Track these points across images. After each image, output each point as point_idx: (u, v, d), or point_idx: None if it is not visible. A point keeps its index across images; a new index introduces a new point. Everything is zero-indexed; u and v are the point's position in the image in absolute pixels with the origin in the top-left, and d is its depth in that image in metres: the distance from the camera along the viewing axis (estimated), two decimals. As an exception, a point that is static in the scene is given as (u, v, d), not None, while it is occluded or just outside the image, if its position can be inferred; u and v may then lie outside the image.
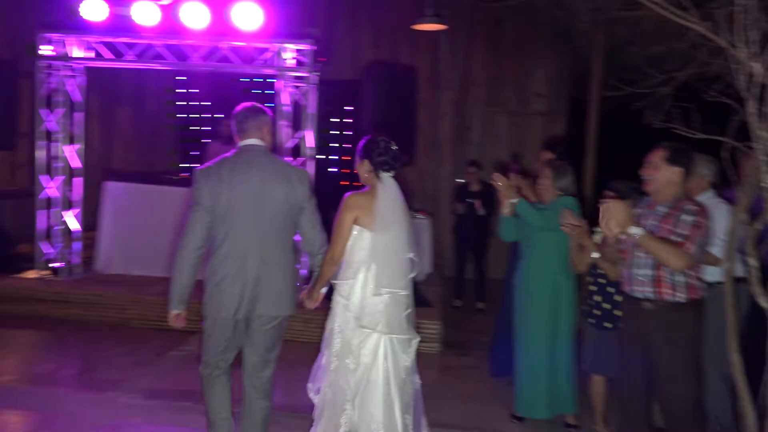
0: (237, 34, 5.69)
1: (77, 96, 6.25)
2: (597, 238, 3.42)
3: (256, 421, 3.10)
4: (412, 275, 3.11)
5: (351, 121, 8.70)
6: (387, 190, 3.03)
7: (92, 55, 6.14)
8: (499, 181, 3.73)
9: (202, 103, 9.52)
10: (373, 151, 3.07)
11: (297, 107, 6.05)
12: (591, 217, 3.28)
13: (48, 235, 6.25)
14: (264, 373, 3.10)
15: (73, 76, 6.20)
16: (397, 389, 3.01)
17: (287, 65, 5.85)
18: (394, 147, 3.10)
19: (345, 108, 8.75)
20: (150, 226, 6.42)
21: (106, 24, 5.89)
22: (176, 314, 2.97)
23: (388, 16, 8.69)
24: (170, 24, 5.74)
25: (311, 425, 3.20)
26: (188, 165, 9.22)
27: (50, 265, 6.17)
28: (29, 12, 7.75)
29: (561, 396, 3.84)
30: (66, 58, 6.04)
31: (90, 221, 6.78)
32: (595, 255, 3.41)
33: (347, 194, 3.06)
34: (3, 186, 7.86)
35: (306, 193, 3.05)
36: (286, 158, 5.94)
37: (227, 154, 3.04)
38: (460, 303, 6.98)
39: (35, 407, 3.86)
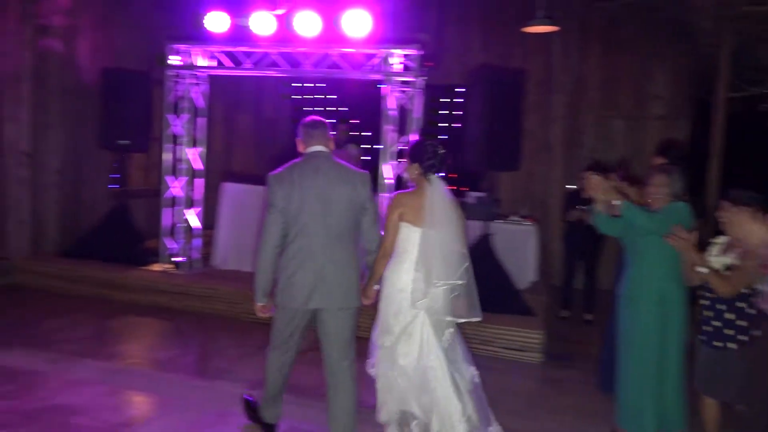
0: (346, 40, 5.85)
1: (201, 102, 6.70)
2: (715, 256, 3.20)
3: (343, 400, 3.28)
4: (464, 266, 3.30)
5: (459, 125, 8.65)
6: (435, 189, 3.30)
7: (214, 63, 6.56)
8: (592, 179, 3.59)
9: (315, 109, 9.87)
10: (423, 155, 3.35)
11: (403, 112, 6.12)
12: (713, 226, 3.08)
13: (171, 231, 6.75)
14: (343, 363, 3.30)
15: (197, 84, 6.66)
16: (448, 375, 3.26)
17: (394, 70, 5.93)
18: (442, 151, 3.38)
19: (454, 113, 8.73)
20: (261, 224, 6.75)
21: (227, 35, 6.28)
22: (261, 306, 3.32)
23: (498, 19, 8.57)
24: (284, 33, 6.00)
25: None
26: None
27: (173, 259, 6.65)
28: (161, 26, 8.40)
29: (668, 413, 3.58)
30: (191, 67, 6.50)
31: (209, 220, 7.24)
32: (702, 270, 3.19)
33: (394, 193, 3.42)
34: (137, 186, 8.58)
35: (368, 194, 3.30)
36: (390, 162, 6.04)
37: (296, 160, 3.33)
38: (568, 314, 6.72)
39: (153, 389, 4.17)
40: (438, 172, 3.29)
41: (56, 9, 7.02)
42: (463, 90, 6.76)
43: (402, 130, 6.10)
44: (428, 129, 6.95)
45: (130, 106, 6.82)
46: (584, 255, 6.50)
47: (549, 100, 8.44)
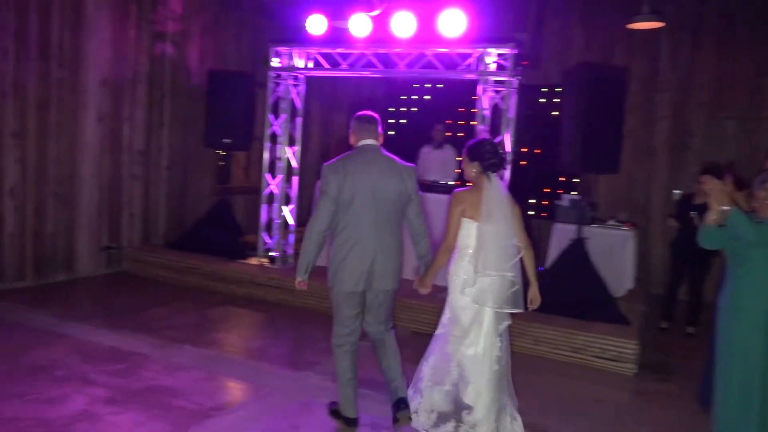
0: (441, 40, 5.85)
1: (299, 103, 6.93)
2: None
3: (393, 350, 3.64)
4: (517, 259, 3.49)
5: (555, 126, 8.41)
6: (493, 187, 3.48)
7: (312, 65, 6.76)
8: (711, 185, 3.35)
9: (411, 110, 9.93)
10: (484, 154, 3.50)
11: (498, 112, 6.04)
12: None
13: (268, 227, 7.03)
14: (384, 332, 3.64)
15: (296, 85, 6.89)
16: (496, 363, 3.49)
17: (488, 70, 5.87)
18: (501, 150, 3.59)
19: (551, 113, 8.49)
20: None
21: (324, 37, 6.47)
22: (300, 281, 3.53)
23: (601, 16, 8.27)
24: (380, 34, 6.10)
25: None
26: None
27: (269, 254, 6.92)
28: (265, 30, 8.77)
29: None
30: (290, 68, 6.73)
31: (305, 216, 7.47)
32: None
33: (456, 191, 3.55)
34: (238, 183, 9.00)
35: (414, 186, 3.54)
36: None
37: (349, 152, 3.54)
38: (668, 325, 6.38)
39: (245, 377, 4.37)
40: (497, 170, 3.52)
41: (170, 16, 7.50)
42: (561, 89, 6.56)
43: (496, 130, 6.02)
44: (522, 129, 6.82)
45: (233, 106, 7.15)
46: (692, 264, 6.10)
47: (653, 99, 8.04)
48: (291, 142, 7.00)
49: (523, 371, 4.88)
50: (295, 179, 7.07)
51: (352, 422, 3.61)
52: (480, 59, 5.92)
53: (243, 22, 8.57)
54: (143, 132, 7.36)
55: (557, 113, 8.24)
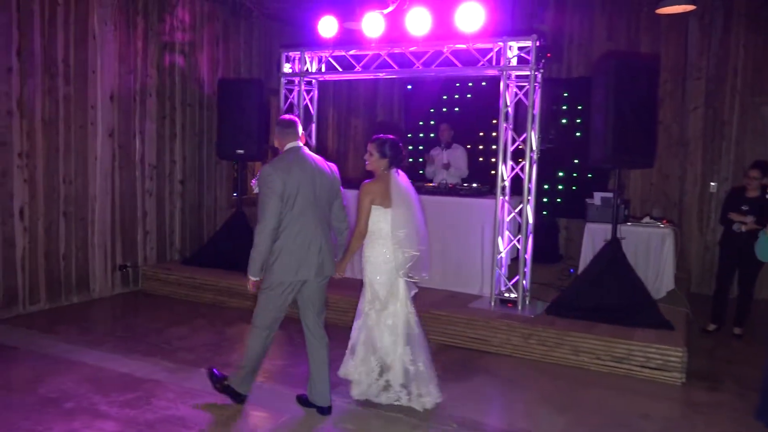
0: (458, 36, 5.56)
1: (312, 109, 6.68)
2: None
3: (323, 355, 3.94)
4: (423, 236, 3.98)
5: (582, 120, 8.04)
6: (398, 178, 3.98)
7: (324, 69, 6.50)
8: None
9: (427, 110, 9.62)
10: (392, 152, 3.98)
11: (521, 108, 5.72)
12: None
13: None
14: (321, 322, 3.98)
15: (308, 91, 6.64)
16: (416, 327, 4.02)
17: (510, 64, 5.55)
18: (401, 145, 4.06)
19: (577, 107, 8.13)
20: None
21: (336, 39, 6.22)
22: (255, 281, 3.75)
23: (623, 2, 7.90)
24: (394, 33, 5.83)
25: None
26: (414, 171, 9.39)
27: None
28: (276, 36, 8.57)
29: None
30: (302, 73, 6.48)
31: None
32: None
33: (365, 182, 3.98)
34: (254, 194, 8.76)
35: (338, 181, 3.98)
36: (510, 162, 5.66)
37: (282, 154, 3.82)
38: (714, 327, 5.99)
39: (264, 403, 4.09)
40: (399, 165, 4.02)
41: (178, 26, 7.31)
42: (587, 81, 6.21)
43: (519, 127, 5.70)
44: (548, 126, 6.48)
45: (245, 115, 6.93)
46: (742, 262, 5.72)
47: (684, 88, 7.64)
48: (306, 150, 6.75)
49: (563, 384, 4.56)
50: (312, 188, 6.81)
51: (243, 399, 3.97)
52: (501, 54, 5.60)
53: (253, 30, 8.36)
54: (155, 146, 7.17)
55: (581, 108, 7.88)
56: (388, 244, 3.93)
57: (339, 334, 4.55)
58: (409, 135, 9.73)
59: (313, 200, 3.75)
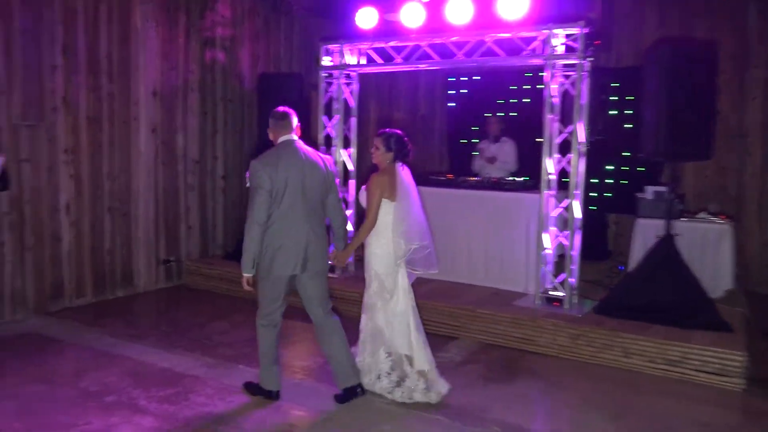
0: (502, 24, 5.37)
1: (352, 102, 6.58)
2: None
3: (337, 339, 3.95)
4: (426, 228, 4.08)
5: (632, 111, 7.71)
6: (402, 172, 4.04)
7: (365, 61, 6.39)
8: None
9: (473, 102, 9.41)
10: (399, 146, 4.04)
11: (568, 99, 5.49)
12: None
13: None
14: (328, 314, 3.99)
15: (348, 84, 6.54)
16: (414, 312, 4.09)
17: (556, 53, 5.33)
18: (406, 140, 4.09)
19: (626, 97, 7.79)
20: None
21: (376, 30, 6.10)
22: (248, 277, 3.76)
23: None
24: (434, 23, 5.68)
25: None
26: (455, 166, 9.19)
27: (329, 262, 6.59)
28: (316, 29, 8.51)
29: None
30: (342, 66, 6.38)
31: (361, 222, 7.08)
32: None
33: (373, 175, 4.01)
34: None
35: (333, 175, 3.97)
36: (557, 155, 5.45)
37: (274, 148, 3.81)
38: (774, 328, 5.64)
39: (303, 401, 4.03)
40: (405, 160, 4.07)
41: (219, 22, 7.31)
42: (637, 70, 5.93)
43: (566, 119, 5.47)
44: (596, 117, 6.21)
45: (285, 110, 6.88)
46: None
47: (742, 76, 7.23)
48: (346, 144, 6.66)
49: (613, 388, 4.35)
50: (352, 183, 6.73)
51: (275, 395, 3.95)
52: (546, 42, 5.38)
53: (293, 24, 8.32)
54: (197, 141, 7.21)
55: (632, 98, 7.55)
56: (390, 236, 3.99)
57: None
58: (453, 127, 9.53)
59: (302, 195, 3.74)
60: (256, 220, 3.66)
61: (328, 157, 4.03)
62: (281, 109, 3.92)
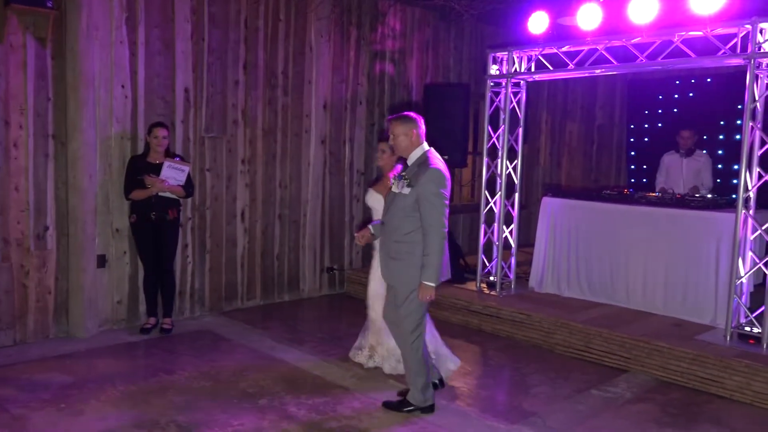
0: (692, 21, 4.76)
1: (519, 112, 6.26)
2: None
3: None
4: None
5: None
6: None
7: (532, 69, 6.05)
8: None
9: (654, 111, 8.59)
10: None
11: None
12: None
13: (488, 249, 6.44)
14: None
15: (516, 92, 6.24)
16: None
17: (761, 51, 4.58)
18: None
19: None
20: (584, 245, 5.98)
21: (546, 36, 5.77)
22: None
23: None
24: (612, 24, 5.21)
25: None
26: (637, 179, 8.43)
27: (490, 278, 6.33)
28: (485, 38, 8.31)
29: None
30: (510, 74, 6.10)
31: (530, 237, 6.73)
32: None
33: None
34: (457, 201, 8.59)
35: None
36: (757, 169, 4.69)
37: (436, 154, 3.81)
38: None
39: (450, 426, 3.81)
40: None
41: (389, 34, 7.41)
42: None
43: (771, 127, 4.68)
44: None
45: (450, 120, 6.75)
46: None
47: None
48: (511, 155, 6.34)
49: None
50: (517, 196, 6.39)
51: (432, 408, 3.93)
52: (748, 39, 4.66)
53: (462, 34, 8.19)
54: (363, 152, 7.34)
55: None
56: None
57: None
58: (632, 139, 8.78)
59: None
60: (444, 228, 3.64)
61: None
62: (415, 113, 3.87)
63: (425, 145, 3.81)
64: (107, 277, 5.45)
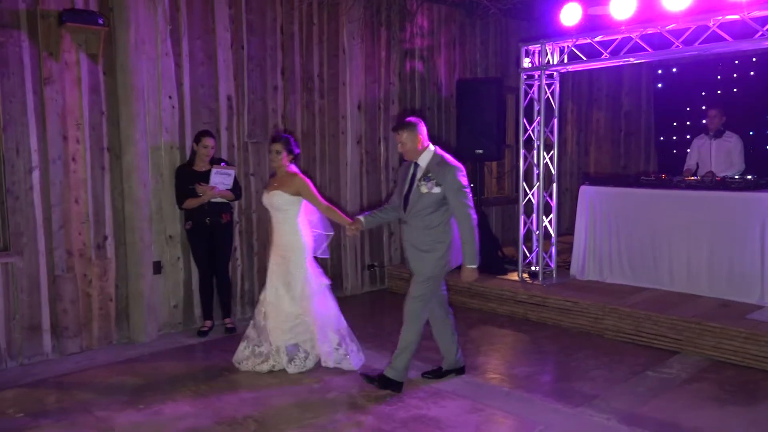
0: (729, 5, 4.82)
1: (554, 103, 6.35)
2: None
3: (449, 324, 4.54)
4: None
5: None
6: None
7: (566, 60, 6.14)
8: None
9: (682, 96, 8.62)
10: (295, 148, 4.70)
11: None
12: None
13: (527, 239, 6.55)
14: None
15: (550, 84, 6.33)
16: None
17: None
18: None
19: None
20: (625, 231, 6.07)
21: (579, 26, 5.85)
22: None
23: None
24: (646, 12, 5.29)
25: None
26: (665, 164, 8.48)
27: (531, 268, 6.43)
28: (513, 32, 8.39)
29: None
30: (543, 66, 6.19)
31: (568, 225, 6.81)
32: None
33: (302, 176, 4.65)
34: (492, 194, 8.70)
35: None
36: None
37: (443, 151, 4.17)
38: None
39: (515, 411, 3.94)
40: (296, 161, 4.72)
41: (418, 32, 7.52)
42: None
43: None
44: None
45: (483, 115, 6.87)
46: None
47: None
48: (547, 146, 6.44)
49: None
50: (555, 186, 6.48)
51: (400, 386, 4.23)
52: (785, 20, 4.72)
53: (489, 29, 8.28)
54: (397, 151, 7.44)
55: None
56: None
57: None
58: (660, 126, 8.81)
59: None
60: (473, 217, 4.03)
61: None
62: (415, 118, 4.19)
63: (431, 146, 4.15)
64: (163, 283, 5.63)
